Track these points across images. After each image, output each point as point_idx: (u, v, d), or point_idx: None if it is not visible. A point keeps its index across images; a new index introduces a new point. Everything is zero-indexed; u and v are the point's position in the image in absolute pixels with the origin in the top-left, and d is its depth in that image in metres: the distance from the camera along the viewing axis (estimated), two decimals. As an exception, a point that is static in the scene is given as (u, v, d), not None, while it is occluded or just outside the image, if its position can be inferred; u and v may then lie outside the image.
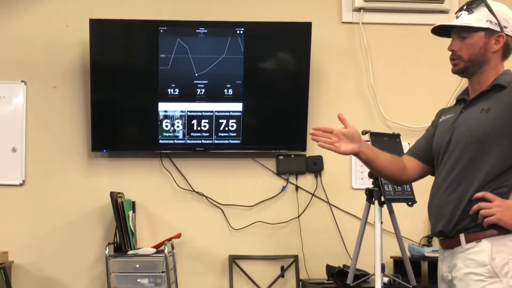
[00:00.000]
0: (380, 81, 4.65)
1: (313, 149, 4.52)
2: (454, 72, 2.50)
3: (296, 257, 4.52)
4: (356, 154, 2.46)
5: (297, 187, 4.59)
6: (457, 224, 2.36)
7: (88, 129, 4.42)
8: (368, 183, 3.74)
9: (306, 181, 4.61)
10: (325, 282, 4.31)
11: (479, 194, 2.32)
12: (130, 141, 4.49)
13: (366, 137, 3.69)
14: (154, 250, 4.19)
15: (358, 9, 4.64)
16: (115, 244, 4.22)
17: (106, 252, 4.12)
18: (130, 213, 4.29)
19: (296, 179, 4.59)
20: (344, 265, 4.34)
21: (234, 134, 4.44)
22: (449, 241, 2.41)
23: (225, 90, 4.43)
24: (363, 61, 4.68)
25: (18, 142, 4.42)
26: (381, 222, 3.53)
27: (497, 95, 2.38)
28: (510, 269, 2.27)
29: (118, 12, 4.44)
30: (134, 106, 4.43)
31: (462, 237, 2.36)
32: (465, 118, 2.45)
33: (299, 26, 4.46)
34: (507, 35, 2.42)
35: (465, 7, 2.45)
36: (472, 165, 2.35)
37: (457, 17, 2.47)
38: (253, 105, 4.46)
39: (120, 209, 4.17)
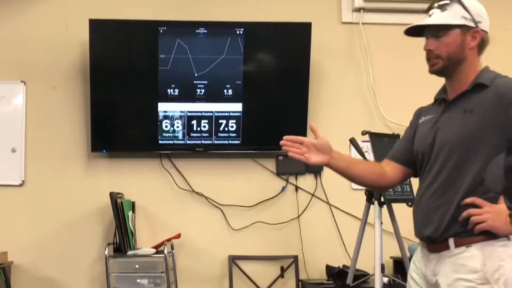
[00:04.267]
0: (380, 81, 4.64)
1: (313, 149, 4.52)
2: (432, 72, 2.42)
3: (296, 258, 4.52)
4: (327, 165, 2.46)
5: (297, 188, 4.59)
6: (447, 229, 2.31)
7: (88, 129, 4.42)
8: (368, 184, 3.73)
9: (306, 181, 4.61)
10: (325, 282, 4.31)
11: (468, 200, 2.27)
12: (129, 141, 4.49)
13: (366, 137, 3.69)
14: (154, 250, 4.19)
15: (358, 9, 4.64)
16: (115, 245, 4.22)
17: (106, 252, 4.12)
18: (130, 213, 4.29)
19: (296, 179, 4.59)
20: (344, 266, 4.34)
21: (234, 134, 4.44)
22: (437, 245, 2.34)
23: (225, 91, 4.42)
24: (363, 61, 4.67)
25: (17, 142, 4.42)
26: (381, 223, 3.53)
27: (480, 95, 2.32)
28: (501, 275, 2.23)
29: (117, 12, 4.44)
30: (133, 107, 4.43)
31: (451, 241, 2.31)
32: (447, 119, 2.38)
33: (299, 26, 4.46)
34: (482, 30, 2.38)
35: (436, 5, 2.40)
36: (459, 168, 2.30)
37: (429, 16, 2.41)
38: (253, 106, 4.46)
39: (120, 209, 4.17)
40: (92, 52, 4.32)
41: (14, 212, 4.41)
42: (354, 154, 3.83)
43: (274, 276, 4.53)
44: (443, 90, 2.50)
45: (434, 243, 2.36)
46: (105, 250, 4.15)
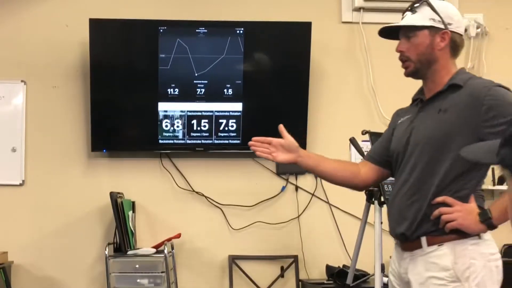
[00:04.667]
0: (380, 81, 4.64)
1: (313, 148, 4.51)
2: (406, 75, 2.49)
3: (296, 257, 4.52)
4: (295, 163, 2.58)
5: (297, 187, 4.59)
6: (419, 227, 2.35)
7: (88, 129, 4.42)
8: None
9: (306, 181, 4.60)
10: (325, 282, 4.31)
11: (439, 199, 2.31)
12: (130, 141, 4.49)
13: (366, 137, 3.69)
14: (154, 250, 4.19)
15: (358, 9, 4.64)
16: (115, 244, 4.22)
17: (106, 252, 4.12)
18: (130, 213, 4.29)
19: (296, 179, 4.59)
20: (344, 265, 4.34)
21: (234, 134, 4.44)
22: (410, 243, 2.39)
23: (225, 90, 4.42)
24: (363, 61, 4.67)
25: (17, 142, 4.41)
26: (381, 222, 3.52)
27: (454, 95, 2.36)
28: (471, 273, 2.27)
29: (118, 11, 4.44)
30: (134, 106, 4.42)
31: (423, 240, 2.34)
32: (422, 118, 2.43)
33: (299, 26, 4.46)
34: (452, 31, 2.41)
35: (409, 8, 2.45)
36: (431, 166, 2.34)
37: (402, 19, 2.47)
38: (253, 105, 4.46)
39: (120, 209, 4.17)
40: (92, 51, 4.32)
41: (14, 212, 4.41)
42: (354, 153, 3.83)
43: (274, 276, 4.53)
44: (421, 91, 2.55)
45: (407, 241, 2.40)
46: (105, 250, 4.15)
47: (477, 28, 4.69)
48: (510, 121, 2.24)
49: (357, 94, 4.67)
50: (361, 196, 3.70)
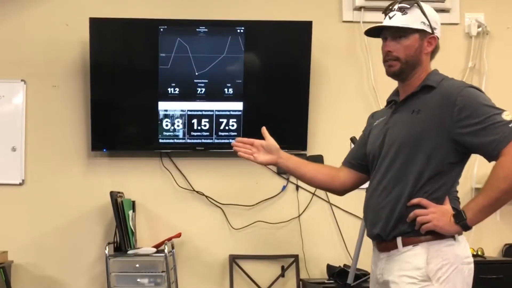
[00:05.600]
0: (381, 80, 4.62)
1: (313, 148, 4.52)
2: (389, 74, 2.47)
3: (296, 257, 4.52)
4: (275, 164, 2.68)
5: (297, 187, 4.58)
6: (394, 228, 2.36)
7: (88, 128, 4.41)
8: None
9: (307, 180, 4.59)
10: (326, 281, 4.30)
11: (414, 201, 2.32)
12: (130, 140, 4.48)
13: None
14: (154, 249, 4.19)
15: (359, 8, 4.63)
16: (115, 244, 4.22)
17: (106, 251, 4.12)
18: (130, 212, 4.29)
19: (297, 178, 4.58)
20: (344, 265, 4.33)
21: (235, 133, 4.43)
22: (386, 244, 2.41)
23: (226, 89, 4.42)
24: (364, 60, 4.67)
25: (17, 141, 4.41)
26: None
27: (427, 96, 2.38)
28: (442, 274, 2.28)
29: (118, 11, 4.44)
30: (134, 105, 4.42)
31: (399, 240, 2.36)
32: (396, 119, 2.45)
33: (299, 25, 4.45)
34: (437, 37, 2.44)
35: (396, 8, 2.43)
36: (405, 167, 2.35)
37: (389, 17, 2.44)
38: (253, 104, 4.45)
39: (120, 208, 4.17)
40: (92, 50, 4.32)
41: (14, 211, 4.41)
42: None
43: (274, 275, 4.52)
44: (395, 92, 2.57)
45: (383, 241, 2.42)
46: (106, 249, 4.14)
47: (478, 27, 4.69)
48: (482, 121, 2.25)
49: (357, 93, 4.66)
50: (362, 195, 3.69)
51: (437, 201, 2.33)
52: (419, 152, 2.33)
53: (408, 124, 2.38)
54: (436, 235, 2.32)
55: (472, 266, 2.36)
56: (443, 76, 2.45)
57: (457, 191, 2.43)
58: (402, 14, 2.41)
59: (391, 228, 2.37)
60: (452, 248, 2.32)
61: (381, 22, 2.50)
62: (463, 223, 2.27)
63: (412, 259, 2.33)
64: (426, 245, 2.32)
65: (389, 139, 2.42)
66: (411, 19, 2.40)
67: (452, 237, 2.32)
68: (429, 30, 2.42)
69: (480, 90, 2.36)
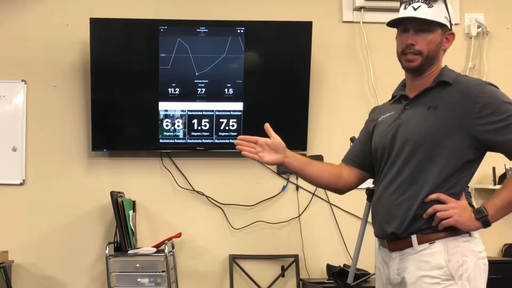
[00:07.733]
0: (381, 80, 4.64)
1: (314, 148, 4.52)
2: (409, 68, 2.40)
3: (296, 257, 4.52)
4: (282, 164, 2.48)
5: (297, 187, 4.59)
6: (410, 225, 2.29)
7: (89, 128, 4.42)
8: (369, 183, 3.68)
9: (307, 180, 4.60)
10: (326, 281, 4.30)
11: (433, 196, 2.26)
12: (130, 140, 4.49)
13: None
14: (155, 249, 4.19)
15: (359, 8, 4.64)
16: (115, 244, 4.22)
17: (106, 251, 4.12)
18: (131, 212, 4.29)
19: (297, 178, 4.58)
20: (344, 265, 4.34)
21: (235, 133, 4.43)
22: (400, 242, 2.33)
23: (226, 90, 4.42)
24: (364, 60, 4.67)
25: (18, 141, 4.42)
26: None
27: (444, 92, 2.33)
28: (464, 271, 2.24)
29: (118, 11, 4.44)
30: (134, 106, 4.42)
31: (414, 238, 2.29)
32: (410, 115, 2.37)
33: (299, 25, 4.45)
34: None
35: (423, 0, 2.35)
36: (424, 165, 2.29)
37: (413, 8, 2.35)
38: (253, 105, 4.46)
39: (121, 208, 4.17)
40: (92, 51, 4.32)
41: (15, 211, 4.41)
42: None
43: (274, 275, 4.53)
44: (401, 87, 2.52)
45: (397, 240, 2.34)
46: (106, 249, 4.15)
47: (478, 27, 4.69)
48: (504, 118, 2.23)
49: (357, 93, 4.66)
50: (362, 195, 3.70)
51: (454, 196, 2.27)
52: (439, 150, 2.27)
53: (425, 121, 2.31)
54: (451, 231, 2.26)
55: (486, 261, 2.32)
56: (456, 72, 2.40)
57: (469, 187, 2.39)
58: (428, 7, 2.32)
59: (407, 226, 2.30)
60: (469, 244, 2.28)
61: (385, 22, 2.47)
62: (484, 219, 2.23)
63: (430, 258, 2.27)
64: (443, 242, 2.26)
65: (403, 135, 2.35)
66: (437, 13, 2.32)
67: (467, 232, 2.28)
68: (449, 25, 2.36)
69: (498, 88, 2.33)
